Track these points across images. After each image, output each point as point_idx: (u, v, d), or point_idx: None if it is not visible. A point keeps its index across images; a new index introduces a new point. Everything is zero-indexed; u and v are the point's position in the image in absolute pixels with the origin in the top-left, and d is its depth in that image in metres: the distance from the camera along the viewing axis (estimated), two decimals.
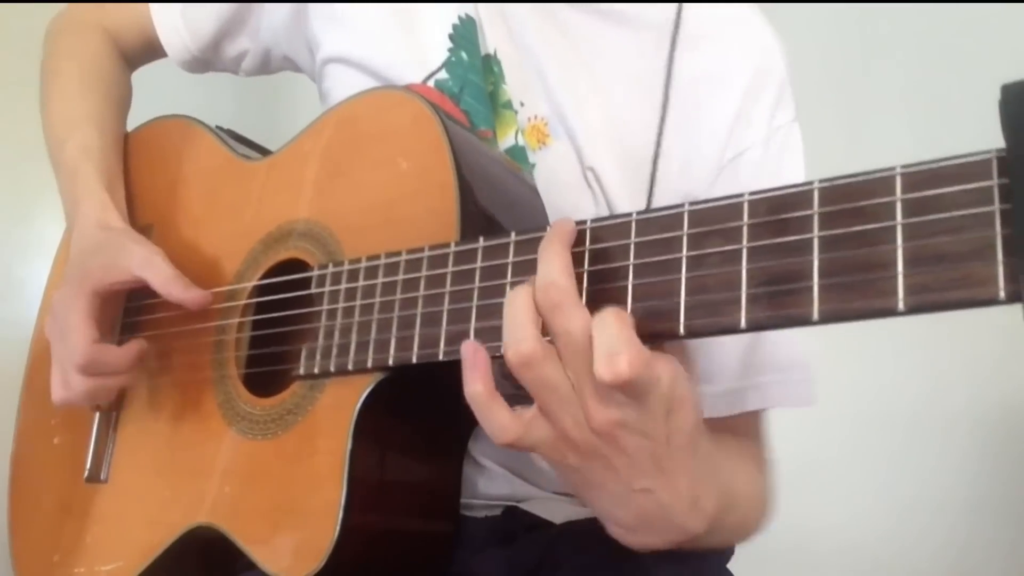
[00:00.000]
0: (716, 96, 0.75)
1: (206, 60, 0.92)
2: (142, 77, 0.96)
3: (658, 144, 0.73)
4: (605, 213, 0.74)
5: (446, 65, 0.77)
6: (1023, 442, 1.26)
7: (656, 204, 0.74)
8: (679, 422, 0.48)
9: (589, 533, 0.72)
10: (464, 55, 0.76)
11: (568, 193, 0.74)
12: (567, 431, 0.48)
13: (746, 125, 0.75)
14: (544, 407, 0.48)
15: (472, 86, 0.76)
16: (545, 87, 0.76)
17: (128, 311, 0.80)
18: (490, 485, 0.75)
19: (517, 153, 0.74)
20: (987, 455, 1.29)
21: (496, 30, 0.77)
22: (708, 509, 0.52)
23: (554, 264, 0.48)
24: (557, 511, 0.74)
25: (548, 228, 0.51)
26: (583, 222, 0.52)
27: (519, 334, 0.47)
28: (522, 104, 0.75)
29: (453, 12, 0.77)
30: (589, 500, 0.53)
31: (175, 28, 0.90)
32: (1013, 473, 1.26)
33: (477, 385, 0.49)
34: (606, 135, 0.75)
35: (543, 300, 0.47)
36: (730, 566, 0.75)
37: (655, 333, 0.47)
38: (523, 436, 0.49)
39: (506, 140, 0.75)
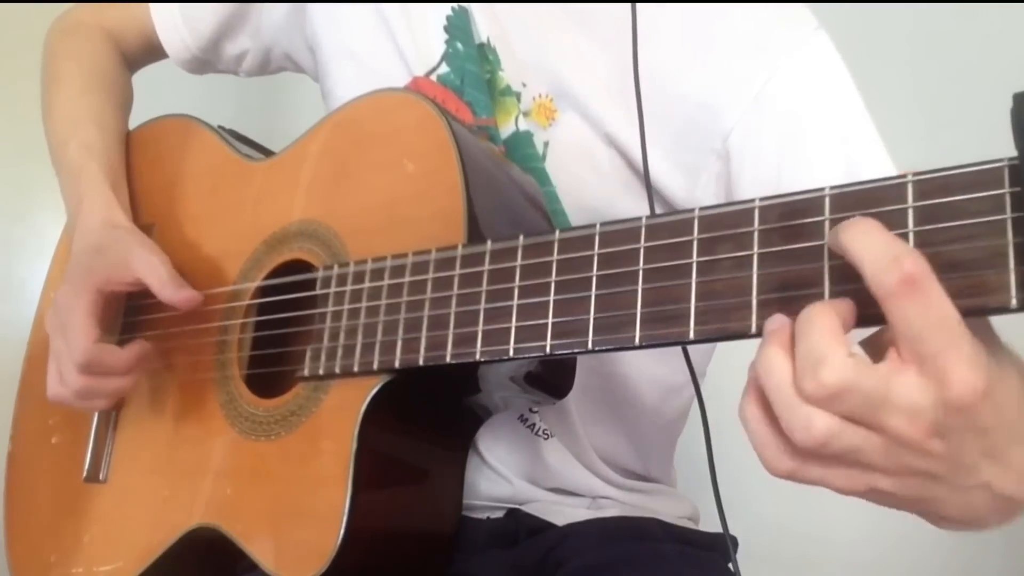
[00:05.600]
0: (710, 31, 0.71)
1: (206, 60, 0.92)
2: (142, 78, 0.96)
3: (639, 106, 0.68)
4: (630, 179, 0.73)
5: (445, 58, 0.77)
6: None
7: (686, 155, 0.71)
8: (1003, 397, 0.39)
9: (591, 535, 0.72)
10: (460, 45, 0.76)
11: (588, 163, 0.73)
12: (870, 465, 0.41)
13: (762, 48, 0.70)
14: (841, 460, 0.41)
15: (471, 76, 0.75)
16: (546, 60, 0.75)
17: (129, 310, 0.79)
18: (492, 487, 0.75)
19: (520, 139, 0.74)
20: None
21: (487, 17, 0.77)
22: None
23: (831, 347, 0.38)
24: (559, 513, 0.74)
25: (810, 310, 0.40)
26: (592, 226, 0.52)
27: (799, 414, 0.39)
28: (524, 85, 0.75)
29: (446, 4, 0.77)
30: (910, 511, 0.45)
31: (175, 27, 0.90)
32: None
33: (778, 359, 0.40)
34: (613, 97, 0.72)
35: (828, 397, 0.38)
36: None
37: (666, 338, 0.47)
38: (800, 472, 0.41)
39: (507, 128, 0.74)
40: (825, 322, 0.39)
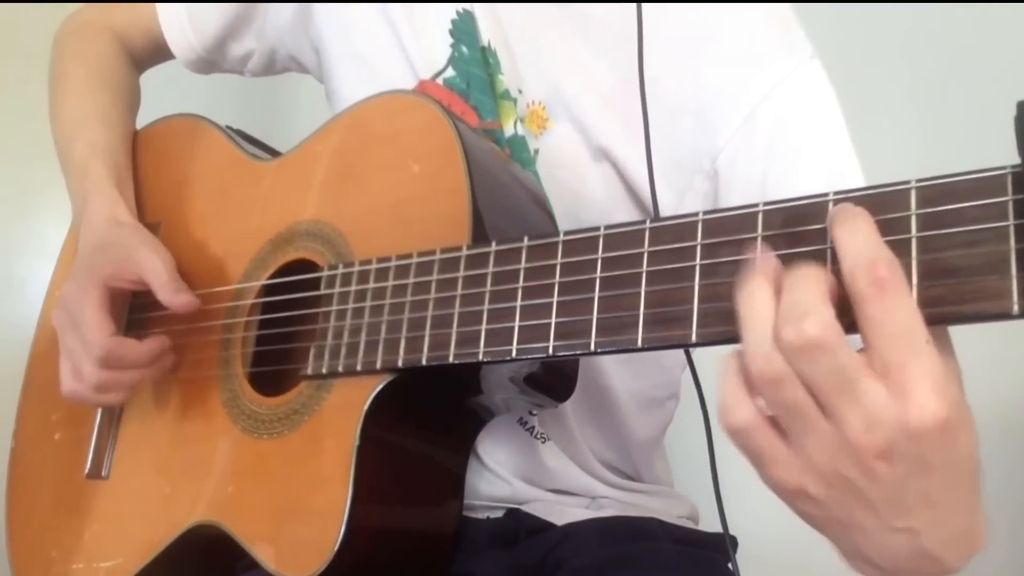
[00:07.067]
0: (707, 44, 0.72)
1: (212, 60, 0.92)
2: (148, 78, 0.96)
3: (645, 112, 0.69)
4: (618, 191, 0.74)
5: (451, 62, 0.77)
6: (1017, 443, 1.27)
7: (677, 173, 0.72)
8: (960, 443, 0.38)
9: (591, 535, 0.73)
10: (464, 48, 0.77)
11: (575, 174, 0.74)
12: (811, 457, 0.40)
13: (758, 69, 0.70)
14: (787, 428, 0.41)
15: (476, 79, 0.76)
16: (543, 67, 0.75)
17: (134, 308, 0.80)
18: (492, 487, 0.75)
19: (517, 143, 0.74)
20: (982, 456, 1.29)
21: (489, 20, 0.77)
22: (977, 543, 0.43)
23: (808, 289, 0.39)
24: (559, 513, 0.75)
25: (802, 267, 0.40)
26: (596, 229, 0.52)
27: (765, 346, 0.39)
28: (520, 91, 0.75)
29: (451, 7, 0.78)
30: (831, 536, 0.44)
31: (181, 28, 0.90)
32: (1008, 474, 1.27)
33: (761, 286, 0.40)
34: (609, 108, 0.73)
35: (801, 349, 0.38)
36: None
37: (669, 340, 0.47)
38: (750, 430, 0.41)
39: (506, 131, 0.75)
40: (817, 282, 0.39)
